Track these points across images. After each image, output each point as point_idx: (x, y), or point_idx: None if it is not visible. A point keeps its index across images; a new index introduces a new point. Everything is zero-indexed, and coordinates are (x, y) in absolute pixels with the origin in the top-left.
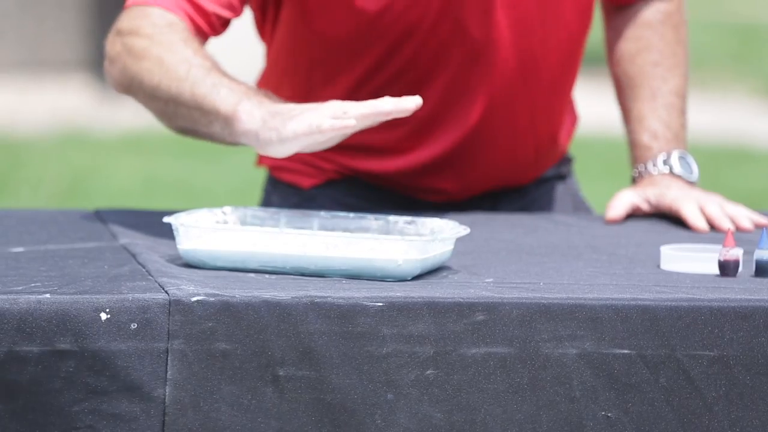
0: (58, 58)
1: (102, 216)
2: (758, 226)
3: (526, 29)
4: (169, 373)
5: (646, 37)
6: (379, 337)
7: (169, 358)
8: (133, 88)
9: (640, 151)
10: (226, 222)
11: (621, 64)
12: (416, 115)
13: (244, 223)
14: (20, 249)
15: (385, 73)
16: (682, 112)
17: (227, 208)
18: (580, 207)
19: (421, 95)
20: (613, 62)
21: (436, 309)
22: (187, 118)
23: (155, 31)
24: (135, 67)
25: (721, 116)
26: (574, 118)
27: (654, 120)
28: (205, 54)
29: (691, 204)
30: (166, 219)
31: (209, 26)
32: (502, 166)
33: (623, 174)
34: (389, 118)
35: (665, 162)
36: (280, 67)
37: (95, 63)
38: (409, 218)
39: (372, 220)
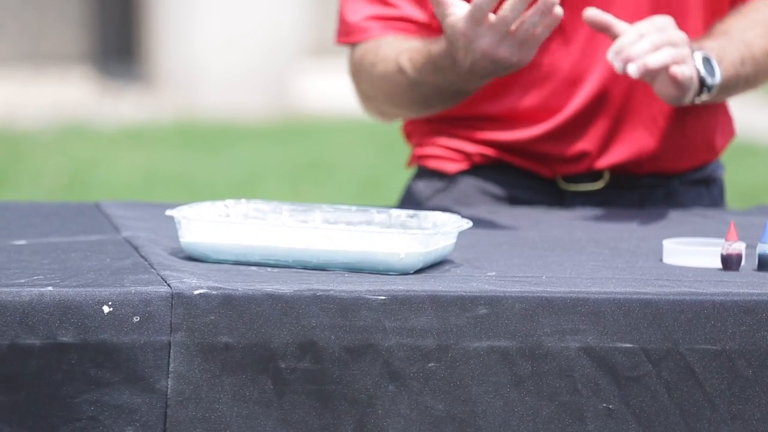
0: (60, 51)
1: (104, 209)
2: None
3: None
4: (171, 365)
5: (746, 12)
6: (381, 331)
7: (171, 350)
8: (389, 108)
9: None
10: (228, 215)
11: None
12: (560, 71)
13: (246, 216)
14: (23, 242)
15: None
16: (743, 60)
17: (229, 201)
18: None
19: (564, 48)
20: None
21: (438, 302)
22: (431, 81)
23: (368, 60)
24: (378, 94)
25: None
26: (731, 128)
27: (709, 42)
28: (404, 45)
29: (635, 27)
30: (168, 212)
31: (425, 31)
32: (641, 129)
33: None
34: None
35: (693, 51)
36: None
37: (96, 56)
38: (411, 212)
39: (374, 213)
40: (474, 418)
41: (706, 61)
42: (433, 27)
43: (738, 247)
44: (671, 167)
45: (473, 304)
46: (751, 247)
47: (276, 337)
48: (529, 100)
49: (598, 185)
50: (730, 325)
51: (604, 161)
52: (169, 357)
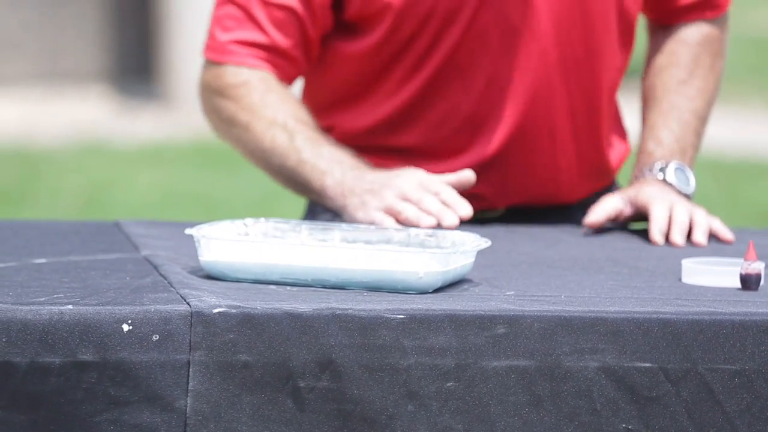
0: (78, 70)
1: (123, 227)
2: (723, 242)
3: (567, 22)
4: (190, 384)
5: (679, 53)
6: (400, 350)
7: (190, 369)
8: (229, 144)
9: (643, 156)
10: (247, 234)
11: (649, 76)
12: (461, 113)
13: (265, 235)
14: (43, 260)
15: (429, 67)
16: (697, 133)
17: (249, 220)
18: None
19: (463, 91)
20: (644, 74)
21: (457, 321)
22: (281, 180)
23: (241, 94)
24: (226, 132)
25: (740, 129)
26: (626, 146)
27: (664, 130)
28: (287, 111)
29: (662, 205)
30: (187, 231)
31: (293, 64)
32: (542, 173)
33: None
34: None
35: (661, 169)
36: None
37: (115, 74)
38: (430, 230)
39: (393, 232)
40: None
41: (680, 171)
42: (293, 56)
43: (757, 266)
44: (568, 199)
45: (492, 323)
46: None
47: (295, 356)
48: (429, 140)
49: (494, 215)
50: (749, 344)
51: (502, 202)
52: (188, 375)
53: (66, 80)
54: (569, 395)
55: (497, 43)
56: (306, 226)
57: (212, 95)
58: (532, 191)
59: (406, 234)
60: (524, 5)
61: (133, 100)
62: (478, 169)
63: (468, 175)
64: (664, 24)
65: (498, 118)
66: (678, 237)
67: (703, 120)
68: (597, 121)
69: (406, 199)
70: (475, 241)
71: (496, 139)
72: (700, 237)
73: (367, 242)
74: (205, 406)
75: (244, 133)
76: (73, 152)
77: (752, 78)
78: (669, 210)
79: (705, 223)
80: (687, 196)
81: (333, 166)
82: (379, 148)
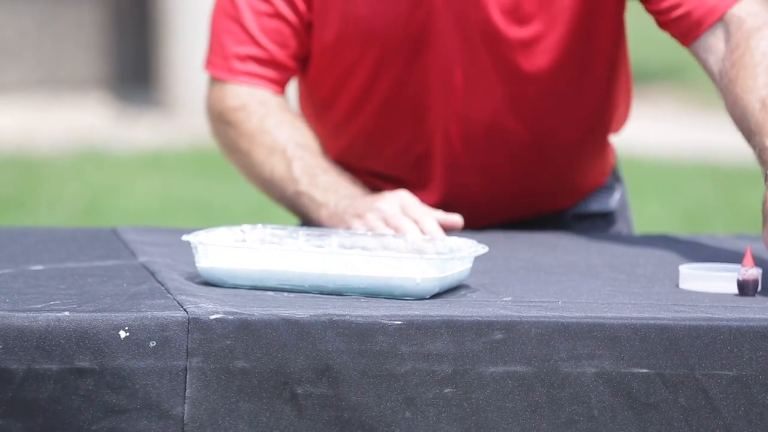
0: (76, 77)
1: (121, 234)
2: None
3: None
4: (187, 391)
5: (753, 63)
6: (397, 356)
7: (187, 376)
8: (234, 168)
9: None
10: (244, 240)
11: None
12: (416, 150)
13: (262, 241)
14: (40, 267)
15: (373, 101)
16: None
17: (246, 227)
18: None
19: (416, 127)
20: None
21: (454, 327)
22: (284, 207)
23: (240, 119)
24: (229, 156)
25: (739, 135)
26: (611, 154)
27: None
28: (285, 136)
29: None
30: (185, 237)
31: (290, 74)
32: (516, 199)
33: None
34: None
35: None
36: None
37: (113, 81)
38: (427, 236)
39: (390, 238)
40: None
41: None
42: (289, 66)
43: (754, 272)
44: (555, 209)
45: (489, 329)
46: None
47: (292, 362)
48: (395, 171)
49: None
50: (746, 350)
51: (481, 224)
52: (185, 382)
53: (64, 87)
54: (567, 401)
55: (442, 82)
56: (303, 233)
57: (214, 120)
58: (508, 214)
59: (403, 240)
60: (469, 49)
61: (131, 107)
62: (451, 197)
63: (456, 220)
64: (693, 38)
65: (454, 157)
66: None
67: None
68: (568, 144)
69: (387, 224)
70: (472, 247)
71: (457, 176)
72: None
73: (365, 248)
74: (202, 413)
75: (245, 160)
76: (72, 159)
77: None
78: None
79: None
80: None
81: (328, 196)
82: (360, 170)
